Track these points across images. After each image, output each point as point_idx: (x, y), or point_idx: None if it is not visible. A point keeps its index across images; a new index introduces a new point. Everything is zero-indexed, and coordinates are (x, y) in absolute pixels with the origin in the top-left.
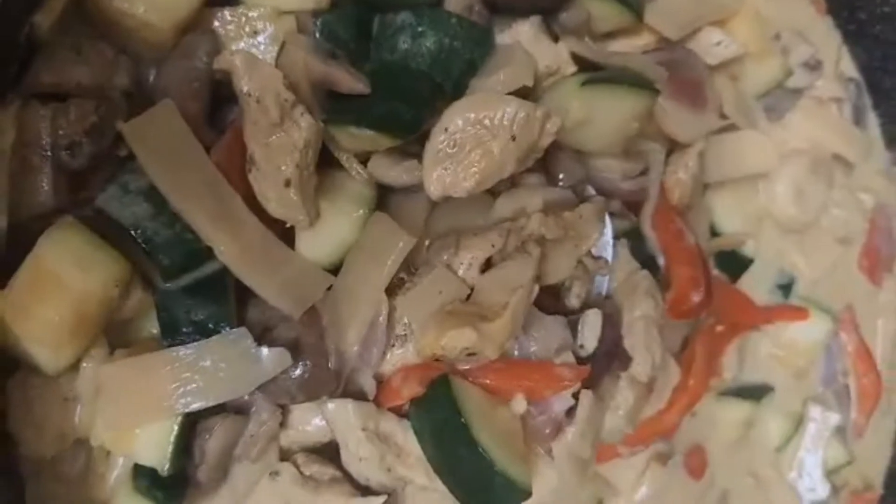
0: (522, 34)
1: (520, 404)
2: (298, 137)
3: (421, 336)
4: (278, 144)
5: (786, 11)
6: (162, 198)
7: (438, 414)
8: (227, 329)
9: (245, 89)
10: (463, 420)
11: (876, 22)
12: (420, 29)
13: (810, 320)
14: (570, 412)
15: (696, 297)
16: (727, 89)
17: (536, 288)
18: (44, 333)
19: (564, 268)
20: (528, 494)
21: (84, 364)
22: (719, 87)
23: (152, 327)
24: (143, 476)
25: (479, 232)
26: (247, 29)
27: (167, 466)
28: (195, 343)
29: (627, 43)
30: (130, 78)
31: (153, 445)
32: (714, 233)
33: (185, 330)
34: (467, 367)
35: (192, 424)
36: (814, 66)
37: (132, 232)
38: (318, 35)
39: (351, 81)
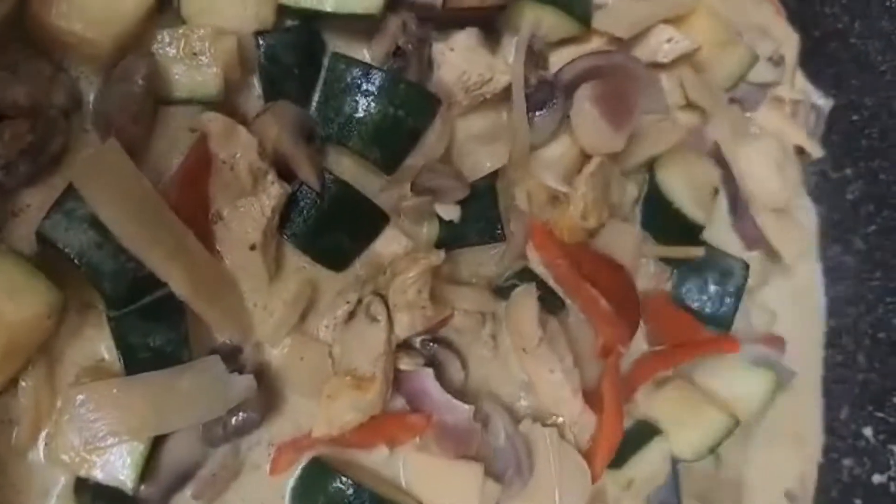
0: (458, 44)
1: (379, 454)
2: (267, 204)
3: (316, 429)
4: (247, 210)
5: (745, 10)
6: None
7: (327, 485)
8: (185, 353)
9: (221, 155)
10: (350, 480)
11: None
12: (367, 95)
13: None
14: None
15: (623, 350)
16: (688, 78)
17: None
18: None
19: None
20: None
21: (23, 383)
22: (680, 79)
23: (96, 351)
24: (84, 490)
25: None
26: (187, 50)
27: (133, 486)
28: (169, 368)
29: (578, 49)
30: (69, 96)
31: (121, 465)
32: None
33: (143, 356)
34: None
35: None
36: (777, 62)
37: (77, 261)
38: (261, 59)
39: (309, 175)
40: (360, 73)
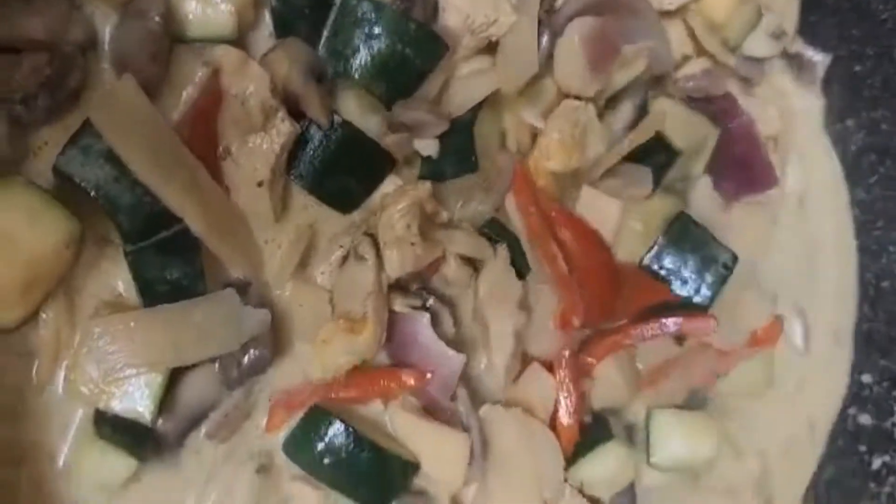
0: None
1: (373, 409)
2: (276, 141)
3: (314, 375)
4: (257, 146)
5: None
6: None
7: (326, 432)
8: (201, 286)
9: (231, 90)
10: (350, 427)
11: None
12: (377, 30)
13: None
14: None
15: (576, 321)
16: (698, 25)
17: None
18: None
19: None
20: (418, 466)
21: (43, 315)
22: (692, 27)
23: (114, 285)
24: (104, 422)
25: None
26: None
27: (151, 417)
28: (186, 301)
29: None
30: (85, 33)
31: (139, 397)
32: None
33: (161, 289)
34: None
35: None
36: (778, 36)
37: (94, 194)
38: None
39: (318, 113)
40: (370, 8)
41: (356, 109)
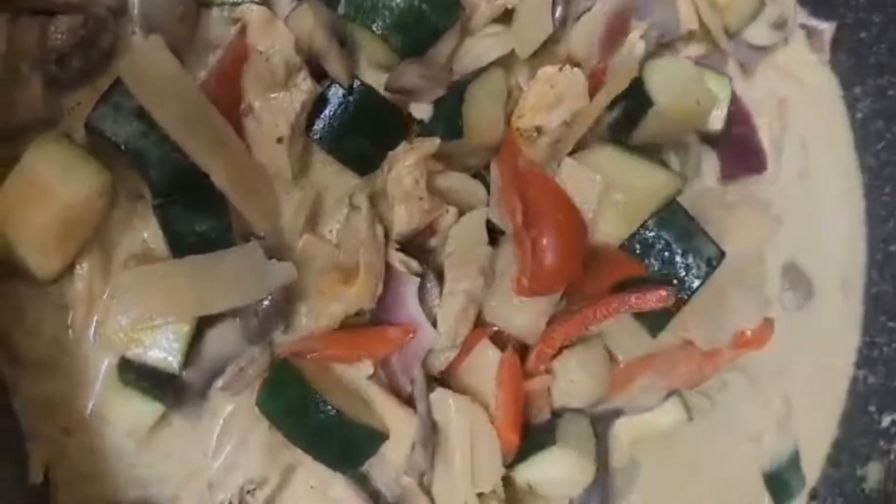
0: None
1: (364, 370)
2: (297, 100)
3: (308, 321)
4: (278, 103)
5: None
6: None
7: (288, 393)
8: (229, 239)
9: (258, 46)
10: (313, 391)
11: None
12: None
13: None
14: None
15: (525, 282)
16: (703, 4)
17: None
18: (33, 238)
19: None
20: (387, 436)
21: (78, 269)
22: (695, 3)
23: (147, 239)
24: (128, 370)
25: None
26: None
27: (179, 366)
28: (211, 253)
29: None
30: None
31: (166, 346)
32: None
33: (190, 241)
34: (307, 343)
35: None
36: (780, 26)
37: (124, 148)
38: None
39: (340, 72)
40: None
41: (373, 63)
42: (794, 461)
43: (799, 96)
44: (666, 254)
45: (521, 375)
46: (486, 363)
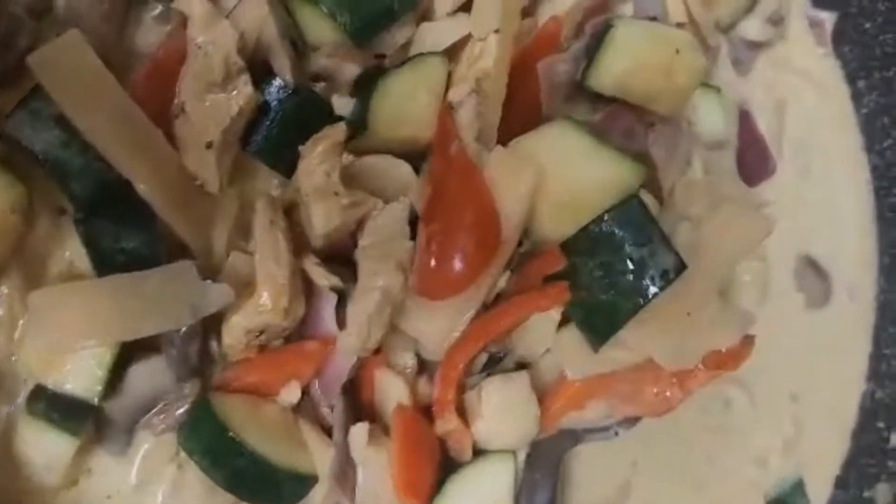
0: None
1: (292, 393)
2: (234, 105)
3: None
4: (213, 105)
5: None
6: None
7: (206, 434)
8: (161, 255)
9: (197, 40)
10: (231, 434)
11: None
12: None
13: None
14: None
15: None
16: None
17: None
18: None
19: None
20: (316, 480)
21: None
22: None
23: (72, 258)
24: (39, 399)
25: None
26: None
27: (98, 397)
28: (137, 272)
29: None
30: None
31: (85, 374)
32: None
33: (116, 259)
34: (229, 373)
35: (123, 360)
36: (776, 22)
37: (42, 158)
38: None
39: (285, 68)
40: None
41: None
42: (800, 486)
43: (800, 92)
44: (615, 257)
45: (420, 427)
46: (390, 397)
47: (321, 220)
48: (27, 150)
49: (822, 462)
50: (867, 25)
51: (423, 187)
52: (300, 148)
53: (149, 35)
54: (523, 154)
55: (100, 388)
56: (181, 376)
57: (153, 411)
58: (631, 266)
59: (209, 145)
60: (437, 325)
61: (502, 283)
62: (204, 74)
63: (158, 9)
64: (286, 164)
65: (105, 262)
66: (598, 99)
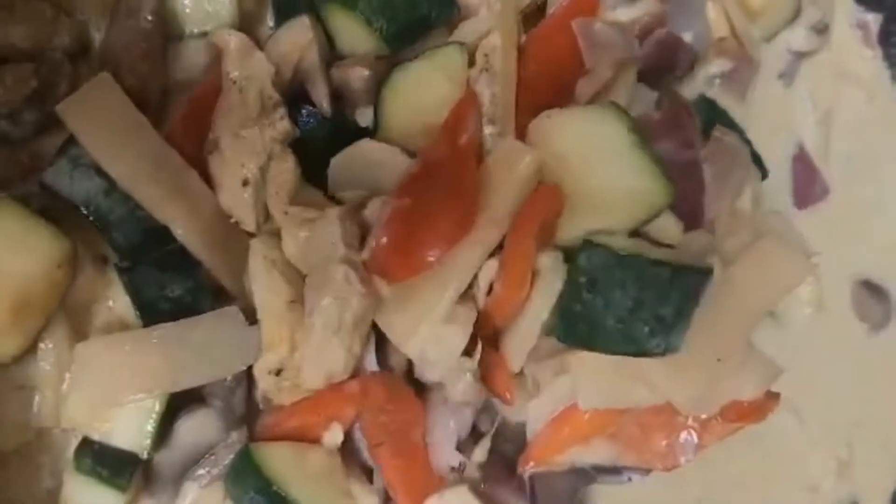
0: None
1: (335, 436)
2: (270, 139)
3: None
4: (248, 140)
5: None
6: None
7: (250, 485)
8: (207, 301)
9: (232, 74)
10: (275, 488)
11: None
12: None
13: None
14: None
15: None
16: (733, 8)
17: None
18: None
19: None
20: None
21: (42, 345)
22: (725, 9)
23: (116, 307)
24: (85, 454)
25: None
26: None
27: (147, 450)
28: (183, 320)
29: None
30: (73, 38)
31: (133, 427)
32: None
33: (163, 307)
34: (270, 419)
35: (172, 412)
36: (821, 31)
37: (83, 209)
38: None
39: (324, 97)
40: None
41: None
42: None
43: (847, 99)
44: (624, 297)
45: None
46: None
47: (289, 248)
48: (65, 199)
49: (877, 487)
50: None
51: (409, 166)
52: None
53: (188, 70)
54: (538, 135)
55: (148, 441)
56: (228, 426)
57: (201, 462)
58: (633, 314)
59: (245, 182)
60: (406, 315)
61: (489, 272)
62: (239, 109)
63: (194, 44)
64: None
65: (150, 311)
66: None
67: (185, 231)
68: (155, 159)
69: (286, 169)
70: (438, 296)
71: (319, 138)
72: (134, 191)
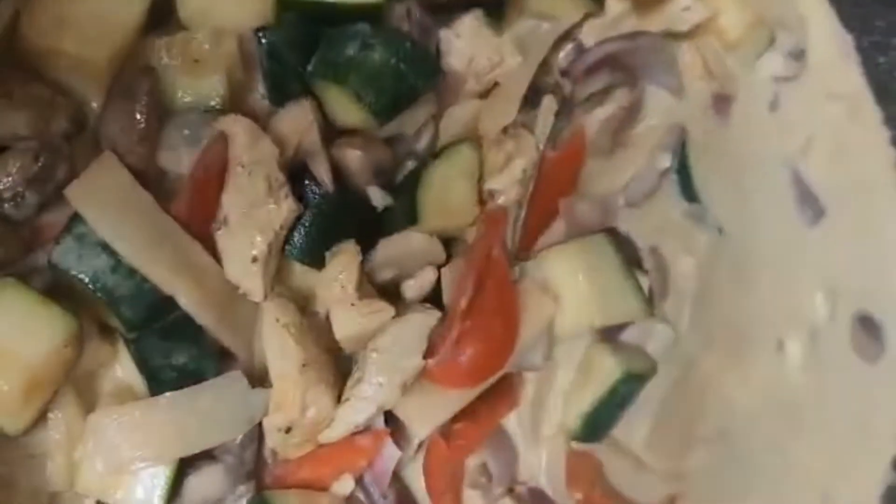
0: (464, 29)
1: (345, 486)
2: (277, 217)
3: None
4: (257, 219)
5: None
6: None
7: None
8: (211, 366)
9: (242, 160)
10: None
11: None
12: (371, 41)
13: None
14: None
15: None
16: (710, 47)
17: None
18: None
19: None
20: None
21: (52, 416)
22: (698, 50)
23: (124, 375)
24: None
25: None
26: (187, 57)
27: None
28: (190, 387)
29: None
30: (70, 120)
31: (145, 492)
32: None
33: (169, 376)
34: (280, 470)
35: (181, 471)
36: (797, 56)
37: (91, 286)
38: (264, 57)
39: (326, 174)
40: (367, 26)
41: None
42: None
43: (831, 122)
44: None
45: None
46: None
47: (338, 327)
48: (76, 279)
49: None
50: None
51: (465, 282)
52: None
53: (181, 156)
54: (559, 268)
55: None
56: (237, 480)
57: None
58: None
59: (254, 259)
60: (429, 412)
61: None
62: (248, 191)
63: (188, 130)
64: (317, 260)
65: (157, 379)
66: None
67: (189, 301)
68: (160, 235)
69: (355, 263)
70: (458, 403)
71: (325, 212)
72: (140, 266)
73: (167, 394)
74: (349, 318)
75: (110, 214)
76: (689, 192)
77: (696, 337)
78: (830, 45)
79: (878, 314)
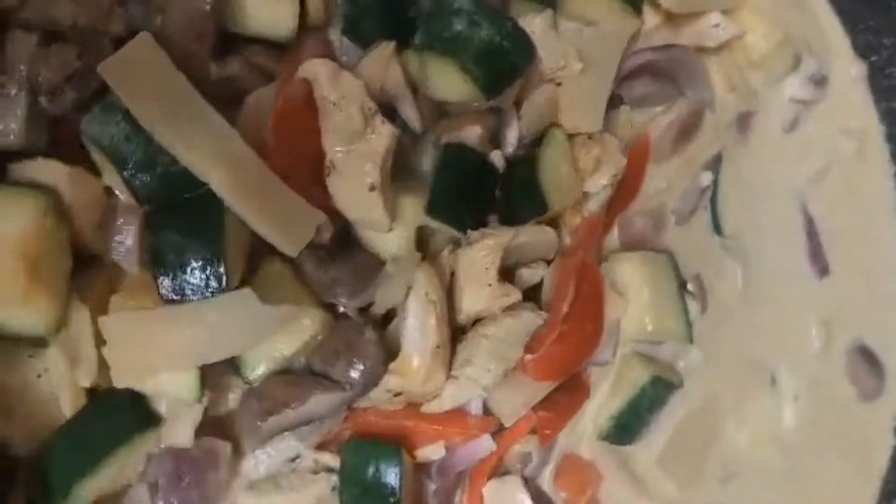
0: (536, 27)
1: (436, 451)
2: (379, 144)
3: None
4: (361, 151)
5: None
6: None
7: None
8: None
9: (329, 97)
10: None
11: None
12: (476, 18)
13: None
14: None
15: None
16: (738, 63)
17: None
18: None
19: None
20: None
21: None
22: (723, 65)
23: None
24: None
25: None
26: None
27: (202, 398)
28: (200, 301)
29: None
30: (127, 27)
31: (179, 386)
32: None
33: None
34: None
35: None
36: (819, 81)
37: (105, 153)
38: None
39: (414, 115)
40: (470, 2)
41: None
42: None
43: (844, 153)
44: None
45: None
46: None
47: (469, 303)
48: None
49: None
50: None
51: (566, 287)
52: (468, 233)
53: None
54: (620, 275)
55: (199, 393)
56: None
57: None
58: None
59: (372, 187)
60: (518, 401)
61: None
62: (345, 127)
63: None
64: (458, 220)
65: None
66: None
67: (223, 186)
68: (197, 119)
69: (501, 249)
70: (541, 393)
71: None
72: (172, 147)
73: (174, 306)
74: (482, 297)
75: (145, 94)
76: (716, 222)
77: (716, 369)
78: (847, 73)
79: (879, 351)
